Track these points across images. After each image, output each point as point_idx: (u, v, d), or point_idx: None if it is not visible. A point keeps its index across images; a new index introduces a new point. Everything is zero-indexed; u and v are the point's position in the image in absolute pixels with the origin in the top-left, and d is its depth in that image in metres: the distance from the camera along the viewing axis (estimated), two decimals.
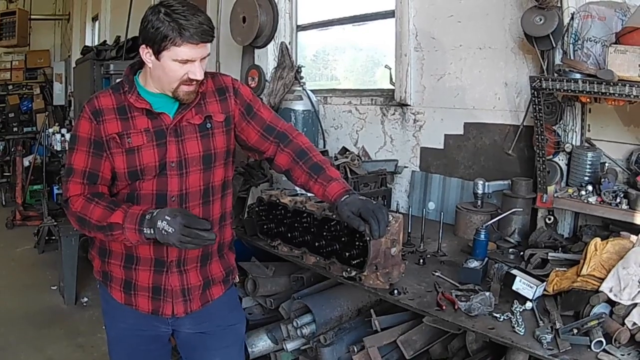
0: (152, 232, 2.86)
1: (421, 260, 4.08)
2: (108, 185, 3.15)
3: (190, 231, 2.81)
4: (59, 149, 11.33)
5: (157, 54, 2.92)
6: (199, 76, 2.97)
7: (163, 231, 2.83)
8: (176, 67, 2.93)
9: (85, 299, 7.68)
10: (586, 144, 4.30)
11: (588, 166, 4.13)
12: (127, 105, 3.08)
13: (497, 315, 3.17)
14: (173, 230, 2.81)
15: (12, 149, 13.77)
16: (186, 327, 3.38)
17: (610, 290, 3.00)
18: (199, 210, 3.20)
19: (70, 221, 3.12)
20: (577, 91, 3.68)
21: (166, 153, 3.08)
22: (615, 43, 3.60)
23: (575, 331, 2.89)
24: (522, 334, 2.99)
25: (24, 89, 16.85)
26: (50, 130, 12.28)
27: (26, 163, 12.40)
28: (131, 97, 3.06)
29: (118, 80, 3.22)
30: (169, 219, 2.83)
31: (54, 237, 8.67)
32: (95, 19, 14.57)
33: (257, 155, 3.55)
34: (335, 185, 3.19)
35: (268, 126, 3.39)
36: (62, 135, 11.32)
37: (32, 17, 16.42)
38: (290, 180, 3.45)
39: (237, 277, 3.65)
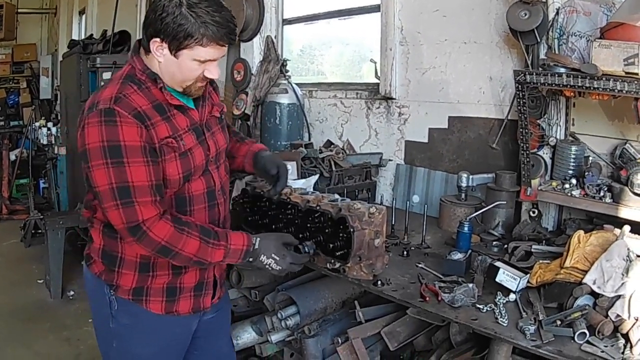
0: (251, 261, 2.98)
1: (405, 252, 4.08)
2: None
3: (294, 267, 3.05)
4: (45, 142, 11.33)
5: (175, 50, 2.71)
6: (216, 76, 2.88)
7: (268, 266, 3.00)
8: (195, 66, 2.77)
9: (72, 293, 7.69)
10: (570, 138, 4.32)
11: (572, 160, 4.14)
12: (161, 102, 2.83)
13: (481, 307, 3.17)
14: (280, 268, 3.02)
15: None
16: (211, 313, 3.35)
17: (594, 283, 3.01)
18: (224, 199, 3.22)
19: (143, 249, 2.79)
20: (561, 85, 3.69)
21: (209, 149, 3.02)
22: (600, 38, 3.61)
23: (559, 323, 2.90)
24: (505, 325, 2.99)
25: (10, 82, 16.72)
26: (37, 124, 12.30)
27: (12, 157, 12.40)
28: (166, 93, 2.83)
29: (126, 73, 2.86)
30: (277, 258, 3.00)
31: (40, 231, 8.64)
32: (82, 12, 14.50)
33: None
34: (260, 145, 3.49)
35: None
36: (49, 129, 11.32)
37: (19, 10, 16.30)
38: None
39: None
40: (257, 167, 3.44)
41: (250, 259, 2.94)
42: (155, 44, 2.73)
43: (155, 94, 2.83)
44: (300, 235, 3.69)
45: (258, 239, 2.96)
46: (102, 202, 2.73)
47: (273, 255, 2.95)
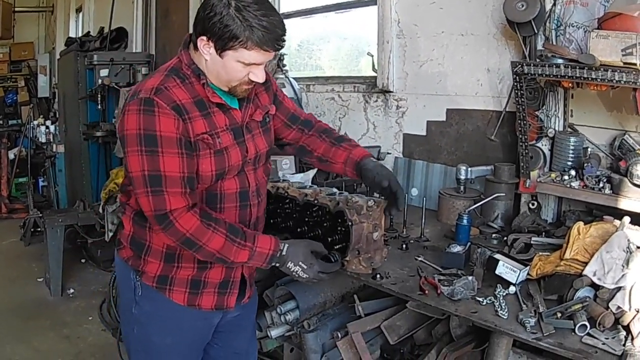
0: (278, 265, 2.96)
1: (404, 246, 4.08)
2: None
3: (322, 276, 3.00)
4: (43, 141, 11.35)
5: (220, 50, 2.72)
6: (261, 79, 2.85)
7: (295, 274, 2.96)
8: (239, 67, 2.76)
9: (72, 290, 7.69)
10: (569, 129, 4.31)
11: (571, 151, 4.14)
12: (203, 99, 2.86)
13: (480, 300, 3.16)
14: (307, 276, 2.98)
15: None
16: (237, 311, 3.32)
17: (594, 274, 3.00)
18: (258, 202, 3.19)
19: (169, 238, 2.82)
20: (559, 76, 3.68)
21: (247, 151, 3.00)
22: (598, 28, 3.60)
23: (559, 315, 2.89)
24: (505, 317, 2.98)
25: (8, 81, 16.68)
26: (35, 122, 12.31)
27: (11, 156, 12.39)
28: (208, 90, 2.85)
29: (172, 66, 2.91)
30: (304, 267, 2.96)
31: (39, 229, 8.62)
32: (79, 10, 14.46)
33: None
34: (360, 150, 3.34)
35: (292, 115, 3.42)
36: (47, 127, 11.33)
37: (16, 9, 16.29)
38: (305, 154, 3.54)
39: None
40: (366, 180, 3.32)
41: (277, 264, 2.94)
42: (202, 41, 2.75)
43: (198, 90, 2.85)
44: (299, 230, 3.68)
45: (286, 245, 2.95)
46: (135, 187, 2.79)
47: (301, 263, 2.94)
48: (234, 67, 2.76)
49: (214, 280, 3.09)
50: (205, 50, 2.76)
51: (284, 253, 2.90)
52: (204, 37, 2.73)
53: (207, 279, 3.07)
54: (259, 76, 2.82)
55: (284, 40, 2.79)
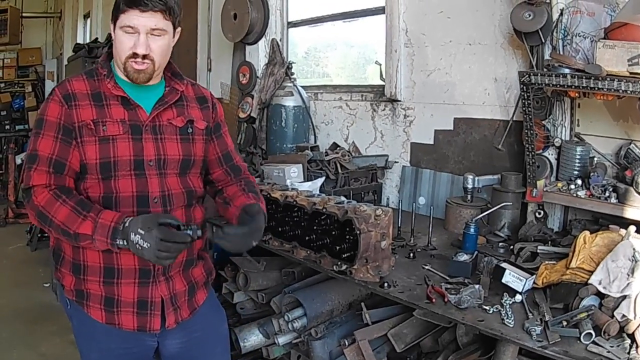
0: (125, 243, 2.65)
1: (411, 254, 4.09)
2: (75, 179, 2.89)
3: (168, 245, 2.61)
4: None
5: (114, 25, 2.82)
6: (140, 49, 2.79)
7: (137, 245, 2.61)
8: (124, 38, 2.79)
9: None
10: (575, 139, 4.33)
11: (577, 160, 4.15)
12: (102, 92, 2.90)
13: (487, 308, 3.18)
14: (149, 245, 2.59)
15: (5, 147, 13.74)
16: (175, 339, 3.13)
17: (600, 283, 3.01)
18: (182, 212, 3.02)
19: (29, 214, 2.84)
20: (565, 86, 3.69)
21: (143, 150, 2.91)
22: (604, 38, 3.62)
23: (565, 323, 2.90)
24: (511, 326, 3.00)
25: (15, 87, 16.67)
26: None
27: (18, 161, 12.37)
28: (109, 82, 2.89)
29: (92, 68, 3.02)
30: (142, 232, 2.60)
31: (46, 235, 8.65)
32: (87, 16, 14.53)
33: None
34: (254, 197, 3.15)
35: (227, 153, 3.34)
36: None
37: (24, 14, 16.34)
38: (216, 195, 3.37)
39: (214, 277, 3.44)
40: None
41: (123, 241, 2.65)
42: (111, 27, 2.87)
43: (101, 85, 2.93)
44: (307, 238, 3.70)
45: (131, 218, 2.69)
46: None
47: (139, 229, 2.60)
48: (119, 37, 2.81)
49: (128, 299, 2.93)
50: (113, 34, 2.86)
51: (127, 225, 2.64)
52: (111, 22, 2.85)
53: (120, 297, 2.93)
54: (138, 47, 2.79)
55: (160, 3, 2.78)
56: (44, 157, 2.80)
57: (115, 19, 2.80)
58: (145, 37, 2.79)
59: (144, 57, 2.83)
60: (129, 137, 2.89)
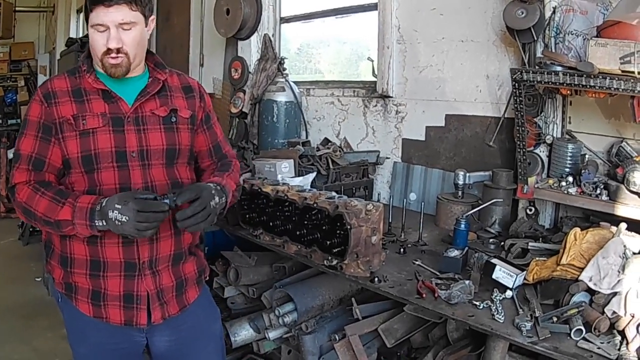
0: (105, 223, 2.67)
1: (402, 250, 4.10)
2: (57, 174, 2.93)
3: (146, 216, 2.63)
4: None
5: (88, 24, 2.84)
6: (112, 44, 2.81)
7: (116, 221, 2.63)
8: (96, 36, 2.82)
9: None
10: (567, 136, 4.34)
11: (569, 158, 4.17)
12: (83, 88, 2.94)
13: (477, 304, 3.18)
14: (127, 218, 2.61)
15: None
16: (164, 336, 3.13)
17: (590, 280, 3.01)
18: None
19: (17, 212, 2.92)
20: (557, 83, 3.70)
21: (125, 142, 2.93)
22: (597, 36, 3.63)
23: (555, 319, 2.91)
24: (501, 321, 3.00)
25: (8, 81, 16.60)
26: None
27: (10, 155, 12.34)
28: (89, 77, 2.93)
29: (75, 66, 3.07)
30: (119, 207, 2.63)
31: (37, 229, 8.63)
32: (80, 11, 14.42)
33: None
34: (218, 175, 3.15)
35: (217, 144, 3.36)
36: None
37: (17, 9, 16.23)
38: None
39: (208, 275, 3.43)
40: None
41: (102, 221, 2.68)
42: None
43: (81, 80, 2.97)
44: (298, 233, 3.70)
45: (107, 198, 2.72)
46: None
47: (116, 204, 2.63)
48: (93, 36, 2.84)
49: (114, 293, 2.94)
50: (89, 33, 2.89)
51: (104, 204, 2.67)
52: (86, 23, 2.88)
53: (107, 290, 2.94)
54: (109, 41, 2.81)
55: None
56: (25, 155, 2.87)
57: (87, 19, 2.83)
58: (116, 31, 2.81)
59: (118, 50, 2.85)
60: (109, 129, 2.91)
